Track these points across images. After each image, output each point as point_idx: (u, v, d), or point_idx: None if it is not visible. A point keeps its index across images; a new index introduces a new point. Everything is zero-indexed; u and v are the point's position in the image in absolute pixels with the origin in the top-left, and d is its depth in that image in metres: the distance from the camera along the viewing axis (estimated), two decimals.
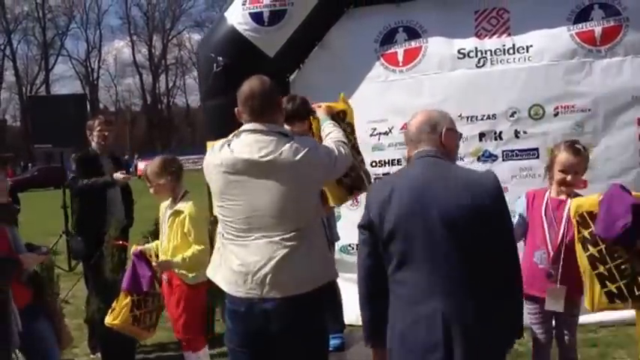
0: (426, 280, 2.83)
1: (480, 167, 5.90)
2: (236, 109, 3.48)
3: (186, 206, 4.75)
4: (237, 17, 6.51)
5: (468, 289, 2.80)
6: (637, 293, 3.92)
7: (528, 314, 4.33)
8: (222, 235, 3.45)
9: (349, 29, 6.65)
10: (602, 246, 3.89)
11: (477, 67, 6.19)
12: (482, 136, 6.15)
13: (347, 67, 6.61)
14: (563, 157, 4.14)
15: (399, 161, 6.34)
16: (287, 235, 3.27)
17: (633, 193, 3.91)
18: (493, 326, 2.83)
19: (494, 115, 6.11)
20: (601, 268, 3.91)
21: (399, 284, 2.90)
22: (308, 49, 6.80)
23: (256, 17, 6.43)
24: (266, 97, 3.40)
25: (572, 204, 3.98)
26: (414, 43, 6.40)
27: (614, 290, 3.92)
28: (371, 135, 6.47)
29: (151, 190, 4.90)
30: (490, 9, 6.22)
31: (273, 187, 3.28)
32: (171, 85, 77.31)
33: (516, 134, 6.07)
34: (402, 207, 2.85)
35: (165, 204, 4.98)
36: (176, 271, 4.72)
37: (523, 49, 6.07)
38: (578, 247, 3.97)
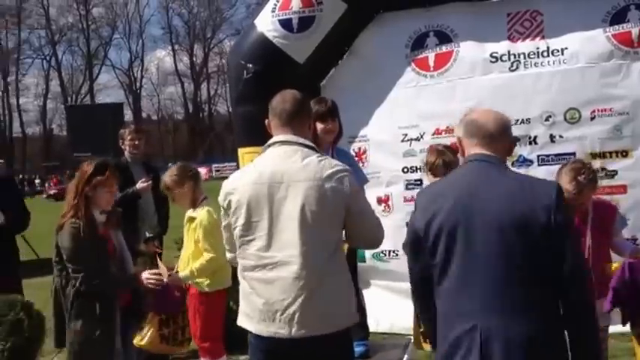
0: (466, 294, 2.64)
1: None
2: (266, 121, 3.44)
3: (200, 213, 4.73)
4: (266, 24, 6.48)
5: (515, 307, 2.57)
6: None
7: None
8: (241, 266, 3.29)
9: (379, 34, 6.58)
10: None
11: (510, 70, 6.06)
12: (516, 140, 6.00)
13: (377, 72, 6.54)
14: (561, 181, 4.08)
15: None
16: (310, 269, 3.10)
17: None
18: (545, 355, 2.60)
19: (528, 120, 5.97)
20: None
21: (439, 298, 2.76)
22: (338, 55, 6.75)
23: (285, 24, 6.39)
24: (296, 107, 3.31)
25: None
26: (445, 48, 6.30)
27: None
28: (402, 141, 6.39)
29: (172, 199, 4.90)
30: (523, 11, 6.08)
31: (293, 203, 3.13)
32: (212, 93, 77.94)
33: (552, 138, 5.92)
34: (449, 214, 2.68)
35: (189, 213, 4.97)
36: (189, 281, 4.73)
37: (558, 51, 5.92)
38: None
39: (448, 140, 6.19)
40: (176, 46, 76.37)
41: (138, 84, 76.54)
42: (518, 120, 5.96)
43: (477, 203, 2.64)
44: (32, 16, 73.49)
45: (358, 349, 5.11)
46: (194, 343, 4.98)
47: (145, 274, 4.27)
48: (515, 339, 2.55)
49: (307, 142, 3.31)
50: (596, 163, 5.75)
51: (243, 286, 3.28)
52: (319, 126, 4.98)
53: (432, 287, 2.80)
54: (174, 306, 4.48)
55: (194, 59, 76.80)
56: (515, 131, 5.90)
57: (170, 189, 4.85)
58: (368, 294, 6.56)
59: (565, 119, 5.89)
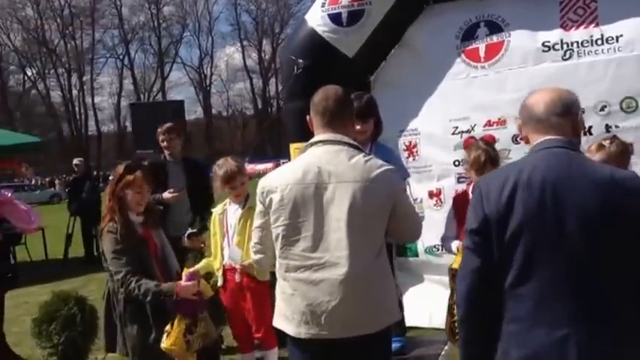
0: (555, 298, 2.34)
1: None
2: (308, 117, 3.38)
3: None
4: (316, 19, 6.49)
5: (609, 312, 2.32)
6: None
7: None
8: (282, 267, 3.23)
9: (429, 26, 6.50)
10: None
11: (563, 59, 5.90)
12: None
13: (428, 64, 6.47)
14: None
15: None
16: (357, 271, 3.06)
17: None
18: None
19: (582, 110, 5.78)
20: None
21: (518, 301, 2.39)
22: (388, 48, 6.71)
23: (335, 18, 6.39)
24: (339, 105, 3.27)
25: None
26: (495, 38, 6.18)
27: None
28: (453, 133, 6.30)
29: (238, 188, 4.88)
30: None
31: (341, 204, 3.08)
32: (281, 88, 78.39)
33: (607, 129, 5.72)
34: (530, 206, 2.37)
35: (218, 211, 5.00)
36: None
37: (612, 39, 5.73)
38: None
39: (500, 132, 6.11)
40: (245, 42, 77.29)
41: (208, 81, 77.76)
42: None
43: (570, 197, 2.35)
44: (105, 16, 75.67)
45: (394, 345, 5.08)
46: (255, 337, 5.00)
47: (183, 282, 4.24)
48: (612, 347, 2.32)
49: (351, 141, 3.26)
50: None
51: (284, 287, 3.23)
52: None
53: (493, 294, 2.44)
54: (188, 307, 4.45)
55: (262, 55, 77.58)
56: None
57: (242, 172, 4.88)
58: (422, 289, 6.54)
59: (621, 108, 5.70)
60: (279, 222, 3.19)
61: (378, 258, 3.16)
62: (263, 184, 3.30)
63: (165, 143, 6.63)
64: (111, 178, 4.56)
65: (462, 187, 6.00)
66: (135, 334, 4.20)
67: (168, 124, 6.78)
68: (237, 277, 4.83)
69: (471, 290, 2.49)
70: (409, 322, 6.44)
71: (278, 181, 3.24)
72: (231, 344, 5.73)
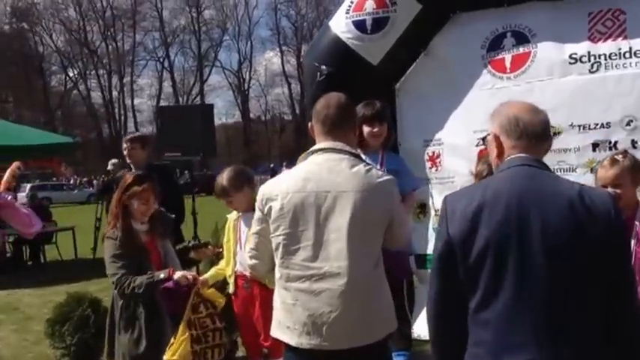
0: (519, 321, 2.28)
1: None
2: (309, 124, 3.37)
3: None
4: (340, 26, 6.44)
5: (574, 336, 2.27)
6: None
7: None
8: (283, 276, 3.20)
9: (455, 35, 6.41)
10: None
11: (590, 72, 5.77)
12: (595, 146, 5.72)
13: (453, 74, 6.38)
14: (599, 172, 3.88)
15: None
16: (358, 281, 3.03)
17: None
18: None
19: (608, 124, 5.67)
20: None
21: (481, 326, 2.35)
22: (413, 56, 6.63)
23: (359, 25, 6.34)
24: (341, 113, 3.24)
25: None
26: (522, 49, 6.07)
27: None
28: (476, 145, 6.19)
29: (229, 202, 4.88)
30: (605, 10, 5.76)
31: (341, 213, 3.05)
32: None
33: (634, 144, 5.58)
34: (495, 227, 2.30)
35: (233, 217, 4.96)
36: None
37: None
38: None
39: None
40: (284, 48, 77.49)
41: (246, 85, 78.14)
42: (597, 124, 5.69)
43: (535, 216, 2.28)
44: (146, 19, 76.62)
45: (398, 359, 5.02)
46: (263, 346, 4.96)
47: (178, 273, 4.23)
48: None
49: (352, 150, 3.24)
50: None
51: (285, 297, 3.20)
52: (365, 129, 4.94)
53: (459, 317, 2.39)
54: (176, 301, 4.33)
55: (301, 60, 77.62)
56: (595, 136, 5.72)
57: (229, 193, 4.84)
58: None
59: None
60: (279, 231, 3.16)
61: (377, 268, 3.14)
62: (263, 191, 3.28)
63: (126, 152, 6.89)
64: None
65: None
66: (126, 342, 4.21)
67: (132, 135, 6.98)
68: (245, 285, 4.80)
69: (437, 312, 2.47)
70: (426, 335, 6.37)
71: (278, 189, 3.22)
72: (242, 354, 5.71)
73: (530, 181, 2.38)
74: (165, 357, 4.17)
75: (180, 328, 4.24)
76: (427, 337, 5.96)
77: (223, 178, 4.83)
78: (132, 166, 6.89)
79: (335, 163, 3.15)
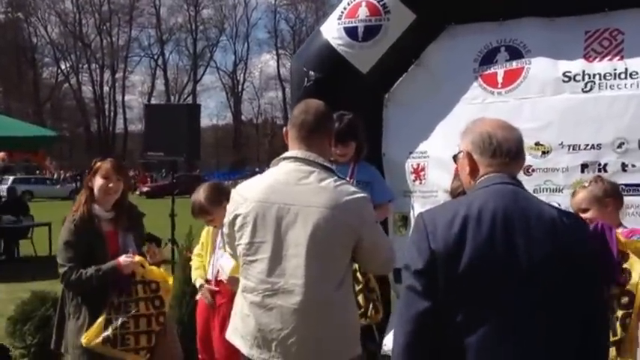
0: (500, 343, 2.20)
1: None
2: (284, 129, 3.26)
3: None
4: (331, 32, 6.29)
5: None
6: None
7: None
8: (242, 285, 3.13)
9: (448, 47, 6.27)
10: None
11: (584, 91, 5.62)
12: (584, 167, 5.57)
13: (443, 86, 6.23)
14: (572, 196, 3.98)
15: None
16: (313, 301, 2.91)
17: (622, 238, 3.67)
18: None
19: (599, 145, 5.52)
20: None
21: (463, 347, 2.22)
22: (403, 66, 6.48)
23: (350, 32, 6.19)
24: (318, 120, 3.14)
25: None
26: (515, 64, 5.93)
27: None
28: None
29: (209, 222, 4.70)
30: (602, 29, 5.63)
31: (303, 229, 2.92)
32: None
33: (624, 167, 5.43)
34: (481, 244, 2.22)
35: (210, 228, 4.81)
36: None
37: (636, 74, 5.44)
38: None
39: None
40: (280, 51, 77.37)
41: (240, 87, 78.02)
42: (588, 145, 5.55)
43: (521, 236, 2.22)
44: (143, 15, 76.61)
45: None
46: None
47: (123, 258, 4.14)
48: None
49: (325, 163, 3.11)
50: None
51: (242, 305, 3.11)
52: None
53: (437, 341, 2.25)
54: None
55: None
56: (584, 157, 5.57)
57: (208, 211, 4.66)
58: None
59: (639, 147, 5.42)
60: (241, 240, 3.07)
61: (340, 289, 2.97)
62: (234, 193, 3.20)
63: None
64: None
65: None
66: (71, 330, 4.14)
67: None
68: (208, 298, 4.65)
69: (416, 337, 2.26)
70: None
71: (245, 194, 3.11)
72: None
73: (514, 200, 2.31)
74: (82, 340, 4.08)
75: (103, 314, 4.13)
76: None
77: (200, 196, 4.66)
78: None
79: (303, 175, 3.02)
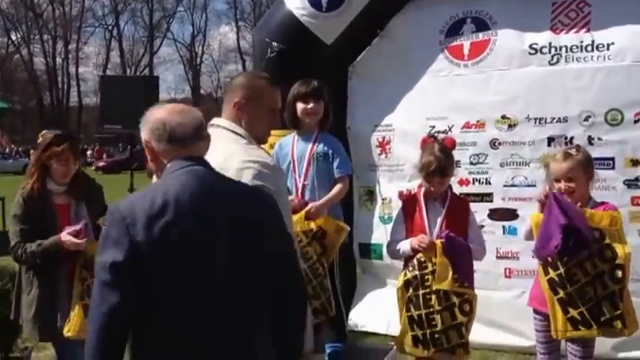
0: (199, 328, 2.32)
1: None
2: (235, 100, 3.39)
3: None
4: (295, 1, 6.13)
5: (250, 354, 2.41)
6: (602, 319, 3.78)
7: (536, 331, 4.19)
8: None
9: (414, 18, 6.17)
10: (562, 270, 3.80)
11: (550, 64, 5.58)
12: (551, 140, 5.55)
13: (409, 58, 6.15)
14: (552, 165, 4.02)
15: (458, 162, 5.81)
16: None
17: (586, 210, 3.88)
18: None
19: (565, 119, 5.50)
20: (561, 293, 3.81)
21: (157, 339, 2.32)
22: (368, 38, 6.36)
23: (314, 2, 6.02)
24: (244, 89, 3.29)
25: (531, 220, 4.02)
26: (481, 36, 5.85)
27: (577, 316, 3.79)
28: (429, 133, 5.98)
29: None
30: (569, 1, 5.59)
31: None
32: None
33: (590, 141, 5.40)
34: (182, 231, 2.30)
35: None
36: None
37: (603, 46, 5.41)
38: (540, 270, 3.93)
39: (478, 136, 5.81)
40: (240, 23, 76.10)
41: (198, 60, 76.73)
42: (554, 118, 5.53)
43: (221, 217, 2.38)
44: None
45: (330, 350, 4.85)
46: None
47: (64, 233, 4.05)
48: None
49: (238, 129, 3.31)
50: (636, 172, 5.31)
51: None
52: (300, 106, 4.77)
53: (124, 333, 2.32)
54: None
55: None
56: (551, 130, 5.54)
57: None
58: (383, 293, 6.25)
59: (606, 120, 5.38)
60: None
61: None
62: None
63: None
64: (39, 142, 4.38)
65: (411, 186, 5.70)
66: (22, 305, 4.18)
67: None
68: None
69: (108, 332, 2.26)
70: (366, 327, 6.16)
71: None
72: None
73: (205, 182, 2.42)
74: (65, 332, 4.05)
75: (73, 302, 4.06)
76: (365, 329, 5.84)
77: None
78: None
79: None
